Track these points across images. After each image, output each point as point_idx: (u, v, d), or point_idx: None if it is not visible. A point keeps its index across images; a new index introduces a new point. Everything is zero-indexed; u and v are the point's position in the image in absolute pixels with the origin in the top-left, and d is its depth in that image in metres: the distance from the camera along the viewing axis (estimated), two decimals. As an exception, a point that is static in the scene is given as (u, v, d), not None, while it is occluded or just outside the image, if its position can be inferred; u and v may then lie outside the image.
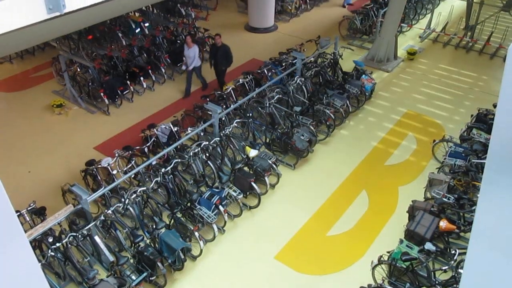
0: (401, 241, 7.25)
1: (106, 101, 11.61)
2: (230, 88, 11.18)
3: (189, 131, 9.49)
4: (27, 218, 7.80)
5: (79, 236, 7.21)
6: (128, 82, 12.04)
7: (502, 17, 15.79)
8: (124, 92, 12.04)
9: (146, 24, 13.04)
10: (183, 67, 12.46)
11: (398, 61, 14.11)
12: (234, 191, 8.39)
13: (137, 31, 12.91)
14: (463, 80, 13.33)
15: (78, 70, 12.23)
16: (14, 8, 5.19)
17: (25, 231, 6.91)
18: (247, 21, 16.36)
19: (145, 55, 13.05)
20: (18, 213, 7.65)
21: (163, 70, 12.93)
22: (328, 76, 12.10)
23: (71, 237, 7.12)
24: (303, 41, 13.73)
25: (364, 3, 17.22)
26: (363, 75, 11.82)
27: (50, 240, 7.14)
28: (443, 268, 6.78)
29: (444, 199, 7.87)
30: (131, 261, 7.38)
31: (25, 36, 6.08)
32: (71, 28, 9.51)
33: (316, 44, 13.31)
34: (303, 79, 11.30)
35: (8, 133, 11.06)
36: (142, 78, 12.34)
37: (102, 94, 11.53)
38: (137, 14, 13.70)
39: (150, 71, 12.47)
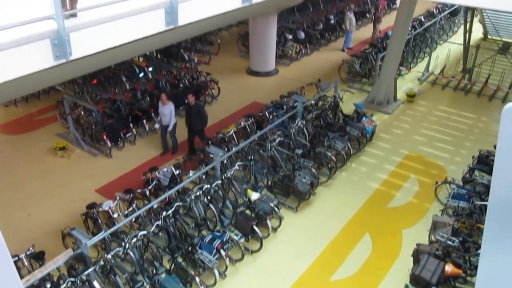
0: (406, 286, 7.10)
1: (109, 143, 11.69)
2: (232, 131, 11.27)
3: (191, 174, 9.50)
4: (26, 263, 7.69)
5: (78, 281, 7.07)
6: (131, 125, 12.17)
7: (498, 60, 16.10)
8: (127, 135, 12.14)
9: (150, 69, 13.33)
10: (156, 125, 11.99)
11: (398, 103, 14.28)
12: (236, 234, 8.30)
13: (140, 75, 13.18)
14: (463, 121, 13.45)
15: (82, 113, 12.39)
16: (22, 55, 5.34)
17: (23, 277, 6.81)
18: (249, 65, 16.71)
19: (148, 98, 13.25)
20: (16, 258, 7.55)
21: (166, 113, 13.09)
22: (329, 118, 12.22)
23: (70, 282, 6.99)
24: (303, 84, 13.96)
25: (363, 47, 17.65)
26: (364, 118, 11.94)
27: (48, 286, 7.00)
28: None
29: (448, 242, 7.76)
30: (130, 308, 7.22)
31: (31, 81, 6.22)
32: (76, 74, 9.74)
33: (316, 87, 13.53)
34: (304, 122, 11.41)
35: (10, 176, 11.08)
36: (145, 121, 12.48)
37: (105, 137, 11.63)
38: (141, 59, 14.05)
39: (152, 114, 12.63)
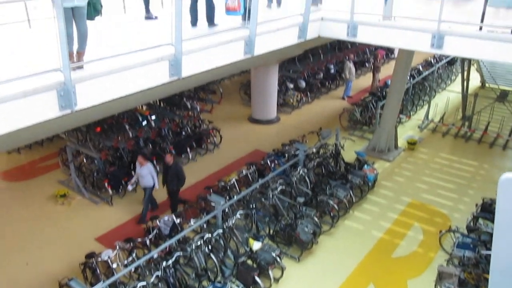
0: None
1: (110, 191, 11.66)
2: (234, 179, 11.26)
3: (192, 223, 9.41)
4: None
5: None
6: (133, 173, 12.16)
7: (497, 107, 16.33)
8: (128, 183, 12.11)
9: (153, 117, 13.50)
10: (129, 187, 11.31)
11: (399, 151, 14.34)
12: (237, 285, 8.13)
13: (144, 123, 13.33)
14: (464, 169, 13.44)
15: (84, 160, 12.44)
16: (29, 106, 5.44)
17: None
18: (251, 113, 16.92)
19: (150, 146, 13.34)
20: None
21: (168, 161, 13.12)
22: (330, 167, 12.23)
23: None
24: (305, 132, 14.09)
25: (363, 95, 17.93)
26: (365, 165, 11.96)
27: None
28: None
29: (455, 294, 7.57)
30: None
31: (35, 130, 6.29)
32: (80, 122, 9.88)
33: (317, 135, 13.64)
34: (306, 170, 11.41)
35: (10, 223, 10.98)
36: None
37: (106, 184, 11.61)
38: (144, 108, 14.26)
39: (155, 162, 12.66)
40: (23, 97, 5.32)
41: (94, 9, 5.98)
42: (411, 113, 16.98)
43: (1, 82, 5.16)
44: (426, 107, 16.76)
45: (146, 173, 10.76)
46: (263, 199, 10.58)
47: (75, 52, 5.98)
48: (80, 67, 5.95)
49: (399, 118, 15.71)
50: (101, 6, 6.13)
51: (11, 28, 9.21)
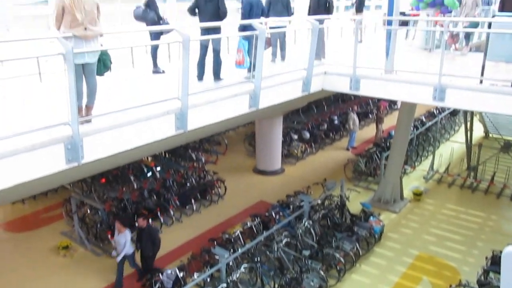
0: None
1: (113, 243, 11.51)
2: (238, 231, 11.14)
3: (195, 277, 9.22)
4: None
5: None
6: (136, 225, 12.07)
7: (502, 157, 16.31)
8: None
9: (158, 168, 13.57)
10: (113, 253, 10.47)
11: (405, 202, 14.21)
12: None
13: (148, 174, 13.38)
14: (472, 220, 13.25)
15: (88, 211, 12.39)
16: (36, 159, 5.50)
17: None
18: (255, 164, 16.97)
19: (155, 197, 13.31)
20: None
21: (172, 213, 13.04)
22: (336, 218, 12.10)
23: None
24: (309, 183, 14.04)
25: (367, 146, 18.02)
26: (371, 217, 11.84)
27: None
28: None
29: None
30: None
31: (40, 182, 6.32)
32: (86, 174, 9.96)
33: (322, 186, 13.58)
34: (311, 222, 11.29)
35: (11, 275, 10.77)
36: (150, 221, 12.39)
37: (109, 236, 11.50)
38: (149, 159, 14.37)
39: (159, 213, 12.60)
40: (31, 150, 5.40)
41: (104, 66, 6.17)
42: (416, 164, 16.96)
43: (11, 135, 5.26)
44: (430, 157, 16.76)
45: (123, 241, 10.06)
46: (268, 252, 10.41)
47: (83, 106, 6.11)
48: (88, 121, 6.06)
49: (404, 169, 15.68)
50: (111, 62, 6.33)
51: (23, 81, 9.48)
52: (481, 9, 13.14)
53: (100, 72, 6.21)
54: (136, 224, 10.62)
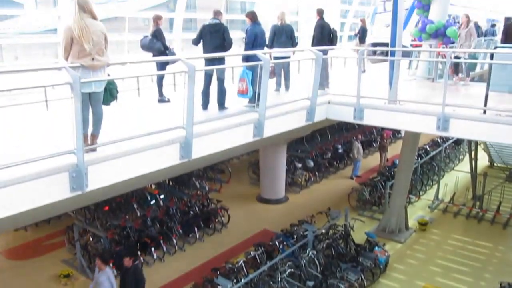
0: None
1: (115, 271, 11.38)
2: (241, 261, 11.00)
3: (198, 308, 9.08)
4: None
5: None
6: (139, 253, 11.97)
7: (507, 187, 16.21)
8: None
9: (161, 196, 13.54)
10: None
11: (410, 231, 14.05)
12: None
13: (152, 202, 13.34)
14: (479, 251, 13.06)
15: (91, 239, 12.31)
16: (40, 187, 5.53)
17: None
18: (259, 192, 16.91)
19: (158, 225, 13.23)
20: None
21: (175, 241, 12.93)
22: (340, 248, 11.95)
23: None
24: (313, 212, 13.93)
25: (371, 175, 17.96)
26: (376, 247, 11.69)
27: None
28: None
29: None
30: None
31: (44, 209, 6.31)
32: (89, 201, 9.94)
33: (326, 215, 13.47)
34: (315, 251, 11.16)
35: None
36: (153, 249, 12.30)
37: (111, 264, 11.37)
38: (153, 186, 14.35)
39: (161, 241, 12.49)
40: (36, 178, 5.43)
41: (110, 95, 6.24)
42: (421, 193, 16.85)
43: (16, 163, 5.29)
44: (435, 187, 16.66)
45: (104, 280, 9.13)
46: (271, 282, 10.24)
47: (89, 135, 6.16)
48: (94, 150, 6.09)
49: (409, 198, 15.57)
50: (117, 91, 6.40)
51: (29, 109, 9.59)
52: (476, 41, 13.32)
53: (107, 102, 6.27)
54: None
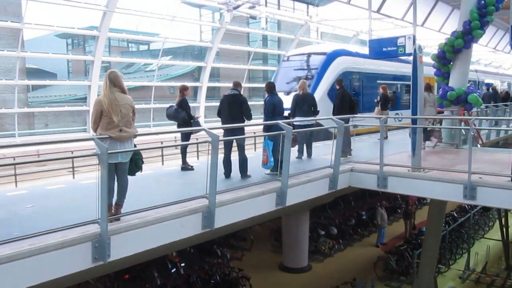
0: None
1: None
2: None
3: None
4: None
5: None
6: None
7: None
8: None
9: (182, 264, 13.31)
10: None
11: (441, 304, 13.35)
12: None
13: (172, 271, 13.11)
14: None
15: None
16: (62, 257, 5.53)
17: None
18: (282, 260, 16.46)
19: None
20: None
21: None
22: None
23: None
24: (338, 282, 13.43)
25: (397, 242, 17.39)
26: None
27: None
28: None
29: None
30: None
31: (64, 279, 6.26)
32: (110, 270, 9.81)
33: (352, 286, 12.95)
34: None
35: None
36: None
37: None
38: (174, 254, 14.15)
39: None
40: (60, 248, 5.44)
41: (136, 166, 6.36)
42: (450, 263, 16.14)
43: (41, 233, 5.34)
44: (465, 256, 15.98)
45: None
46: None
47: (113, 204, 6.22)
48: (117, 219, 6.13)
49: (438, 268, 14.92)
50: (143, 162, 6.53)
51: (56, 178, 9.82)
52: None
53: (132, 173, 6.39)
54: None
